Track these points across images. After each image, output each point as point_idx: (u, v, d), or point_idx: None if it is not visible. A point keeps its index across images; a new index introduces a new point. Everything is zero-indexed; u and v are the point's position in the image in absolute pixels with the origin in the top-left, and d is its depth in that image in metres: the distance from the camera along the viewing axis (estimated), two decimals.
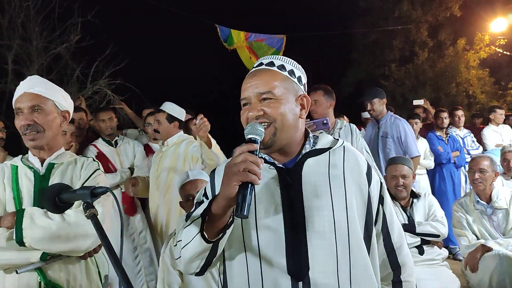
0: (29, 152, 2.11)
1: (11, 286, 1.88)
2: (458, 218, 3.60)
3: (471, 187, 3.73)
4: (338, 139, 1.54)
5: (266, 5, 16.02)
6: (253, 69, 1.49)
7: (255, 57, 8.09)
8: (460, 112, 6.48)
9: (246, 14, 13.95)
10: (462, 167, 6.07)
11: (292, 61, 1.52)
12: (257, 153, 1.27)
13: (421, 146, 6.00)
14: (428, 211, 3.53)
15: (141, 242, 4.21)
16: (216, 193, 1.38)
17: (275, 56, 1.50)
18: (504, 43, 12.88)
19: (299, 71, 1.51)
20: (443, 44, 14.18)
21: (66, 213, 1.90)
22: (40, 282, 1.88)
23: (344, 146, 1.51)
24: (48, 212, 1.89)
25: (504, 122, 7.37)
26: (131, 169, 4.27)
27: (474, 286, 3.39)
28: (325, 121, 3.40)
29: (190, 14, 9.17)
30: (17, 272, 1.84)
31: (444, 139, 6.15)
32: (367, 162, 1.53)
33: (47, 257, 1.88)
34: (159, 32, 13.56)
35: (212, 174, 1.55)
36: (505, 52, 13.08)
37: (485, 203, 3.54)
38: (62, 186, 1.37)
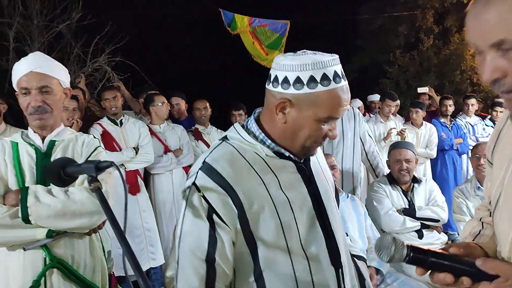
0: (29, 128, 2.08)
1: (16, 263, 1.87)
2: (458, 204, 3.61)
3: (473, 174, 3.74)
4: None
5: None
6: (342, 84, 1.33)
7: (258, 42, 8.05)
8: (471, 101, 6.42)
9: None
10: (465, 154, 6.08)
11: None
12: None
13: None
14: (429, 196, 3.54)
15: (144, 221, 4.26)
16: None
17: (334, 62, 1.39)
18: None
19: None
20: (449, 31, 14.02)
21: (71, 191, 1.90)
22: (45, 258, 1.88)
23: None
24: (52, 190, 1.89)
25: None
26: (136, 149, 4.29)
27: None
28: None
29: None
30: (24, 249, 1.84)
31: (448, 126, 6.15)
32: None
33: (52, 234, 1.89)
34: (163, 15, 13.43)
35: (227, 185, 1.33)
36: None
37: None
38: (67, 160, 1.37)
